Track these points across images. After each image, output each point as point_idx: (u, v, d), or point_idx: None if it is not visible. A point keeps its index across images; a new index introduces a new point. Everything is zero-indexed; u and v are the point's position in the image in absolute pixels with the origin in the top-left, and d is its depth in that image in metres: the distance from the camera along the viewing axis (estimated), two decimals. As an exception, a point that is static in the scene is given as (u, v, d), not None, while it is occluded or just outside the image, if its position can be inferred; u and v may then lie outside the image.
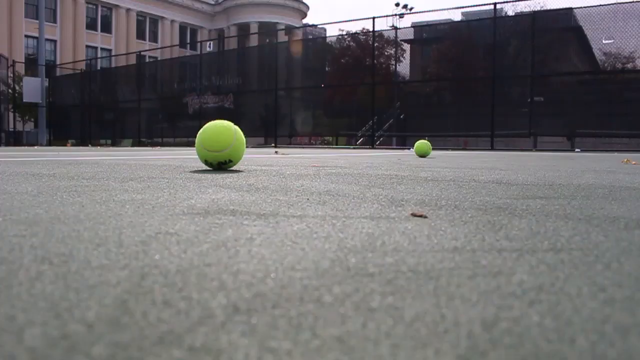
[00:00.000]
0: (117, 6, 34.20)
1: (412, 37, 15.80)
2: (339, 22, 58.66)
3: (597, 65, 11.83)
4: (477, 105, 12.41)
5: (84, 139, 18.85)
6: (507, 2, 11.61)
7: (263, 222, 0.56)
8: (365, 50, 15.52)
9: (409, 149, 8.85)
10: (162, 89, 18.79)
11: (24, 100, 18.82)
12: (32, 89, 17.97)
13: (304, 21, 37.93)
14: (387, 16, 18.02)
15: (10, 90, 20.21)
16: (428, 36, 15.93)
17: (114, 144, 18.66)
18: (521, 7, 15.65)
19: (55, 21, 31.32)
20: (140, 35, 35.34)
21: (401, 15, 21.13)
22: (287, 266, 0.37)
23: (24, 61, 27.28)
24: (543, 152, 7.35)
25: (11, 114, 20.19)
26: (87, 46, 32.82)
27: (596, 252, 0.43)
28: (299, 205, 0.69)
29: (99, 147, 10.38)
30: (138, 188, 0.90)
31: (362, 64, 15.38)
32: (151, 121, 19.09)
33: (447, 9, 18.00)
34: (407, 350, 0.23)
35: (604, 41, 11.12)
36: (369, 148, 11.85)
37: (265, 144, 14.61)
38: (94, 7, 33.37)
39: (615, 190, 0.99)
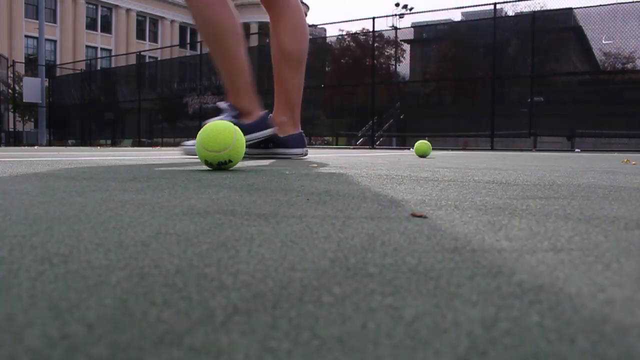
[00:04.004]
0: (117, 6, 34.19)
1: (412, 37, 15.80)
2: (339, 22, 58.65)
3: (597, 65, 11.83)
4: (477, 106, 12.41)
5: (84, 139, 18.85)
6: (507, 2, 11.62)
7: (263, 222, 0.56)
8: (365, 50, 15.53)
9: (409, 149, 8.85)
10: (162, 89, 18.78)
11: (24, 100, 18.82)
12: (32, 89, 17.96)
13: (304, 21, 37.88)
14: (387, 16, 18.04)
15: (10, 90, 20.21)
16: (428, 36, 15.93)
17: (114, 144, 18.65)
18: (521, 7, 15.66)
19: (55, 21, 31.32)
20: (140, 35, 35.34)
21: (401, 16, 21.14)
22: (287, 266, 0.37)
23: (24, 61, 27.28)
24: (543, 152, 7.35)
25: (11, 114, 20.20)
26: (87, 46, 32.83)
27: (596, 252, 0.43)
28: (299, 205, 0.69)
29: (99, 147, 10.38)
30: (138, 188, 0.90)
31: (362, 64, 15.38)
32: (151, 121, 19.08)
33: (447, 9, 18.03)
34: (407, 350, 0.23)
35: (603, 41, 11.12)
36: (369, 148, 11.85)
37: (265, 144, 14.56)
38: (94, 7, 33.37)
39: (615, 190, 0.99)
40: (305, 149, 2.43)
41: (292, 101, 2.35)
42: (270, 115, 2.39)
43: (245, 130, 2.24)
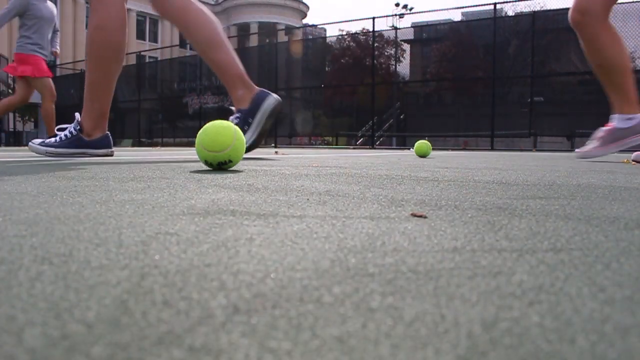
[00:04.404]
0: (117, 6, 34.08)
1: (412, 37, 15.81)
2: (339, 22, 58.72)
3: (597, 66, 11.80)
4: (477, 106, 12.41)
5: (84, 139, 18.81)
6: (507, 2, 11.61)
7: (263, 222, 0.56)
8: (365, 50, 15.53)
9: (409, 149, 8.85)
10: (162, 89, 18.78)
11: (24, 100, 18.77)
12: (32, 89, 17.92)
13: (304, 21, 37.96)
14: (387, 16, 18.03)
15: (10, 90, 20.20)
16: (428, 36, 15.94)
17: (113, 144, 18.61)
18: (521, 7, 15.67)
19: (55, 21, 31.27)
20: (140, 35, 35.33)
21: (401, 16, 21.15)
22: (287, 266, 0.37)
23: (24, 61, 27.21)
24: (543, 152, 7.35)
25: (11, 114, 20.18)
26: (87, 46, 32.75)
27: (596, 252, 0.43)
28: (299, 205, 0.69)
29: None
30: (138, 188, 0.90)
31: (362, 64, 15.39)
32: (151, 121, 19.09)
33: (447, 9, 18.03)
34: (407, 350, 0.22)
35: (604, 41, 11.09)
36: (369, 148, 11.85)
37: (265, 144, 14.60)
38: (94, 7, 33.31)
39: (615, 190, 0.99)
40: (276, 96, 2.43)
41: (236, 72, 2.40)
42: (108, 134, 2.73)
43: (83, 143, 2.62)
